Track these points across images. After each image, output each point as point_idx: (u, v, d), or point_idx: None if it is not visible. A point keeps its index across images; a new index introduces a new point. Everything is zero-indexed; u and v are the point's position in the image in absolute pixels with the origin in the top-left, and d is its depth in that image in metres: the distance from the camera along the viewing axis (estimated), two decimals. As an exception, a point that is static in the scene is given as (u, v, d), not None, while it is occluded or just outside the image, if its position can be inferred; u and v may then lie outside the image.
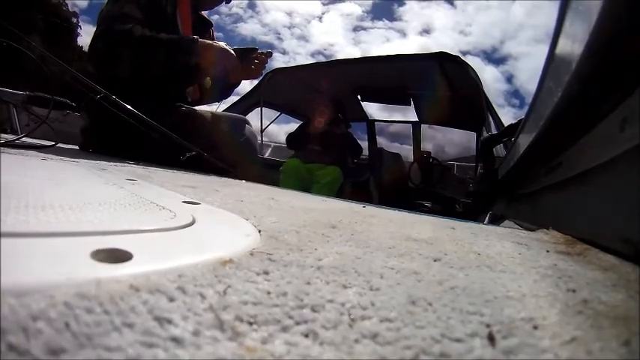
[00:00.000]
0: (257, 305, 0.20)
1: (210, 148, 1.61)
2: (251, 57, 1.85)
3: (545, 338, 0.20)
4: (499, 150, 2.16)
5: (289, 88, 4.06)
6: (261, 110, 4.47)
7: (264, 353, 0.16)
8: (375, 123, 4.69)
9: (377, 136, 4.71)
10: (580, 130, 0.65)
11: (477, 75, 3.05)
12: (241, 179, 1.36)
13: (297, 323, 0.19)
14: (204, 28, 1.99)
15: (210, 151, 1.57)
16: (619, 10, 0.44)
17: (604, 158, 0.53)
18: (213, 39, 2.02)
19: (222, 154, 1.66)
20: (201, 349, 0.16)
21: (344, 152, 3.78)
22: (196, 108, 1.87)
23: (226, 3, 2.08)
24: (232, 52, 1.72)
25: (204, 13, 2.05)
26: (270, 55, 1.91)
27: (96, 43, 1.59)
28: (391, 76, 3.63)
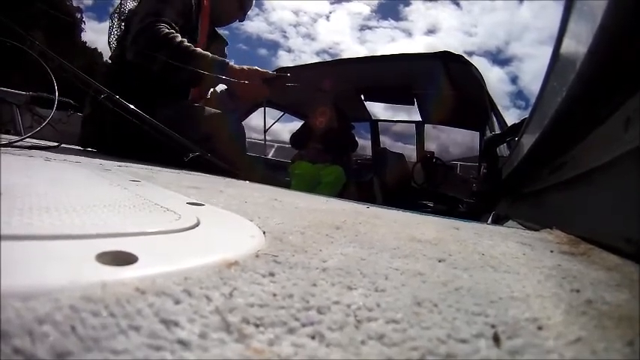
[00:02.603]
0: (263, 307, 0.20)
1: (204, 139, 1.64)
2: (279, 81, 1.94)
3: (550, 338, 0.20)
4: (502, 150, 2.16)
5: (292, 88, 4.04)
6: (264, 110, 4.47)
7: (271, 355, 0.16)
8: (379, 123, 4.67)
9: (380, 136, 4.70)
10: (584, 130, 0.65)
11: (481, 74, 3.04)
12: (241, 176, 1.37)
13: (304, 325, 0.19)
14: (218, 43, 2.08)
15: (204, 143, 1.62)
16: (623, 10, 0.44)
17: (607, 158, 0.53)
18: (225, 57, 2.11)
19: (214, 144, 1.71)
20: (208, 351, 0.16)
21: (345, 149, 3.79)
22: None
23: (240, 21, 2.18)
24: (259, 75, 1.80)
25: (220, 31, 2.14)
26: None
27: (140, 35, 1.66)
28: (394, 76, 3.61)
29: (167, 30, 1.63)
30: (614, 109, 0.53)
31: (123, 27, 1.86)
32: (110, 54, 1.95)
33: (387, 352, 0.18)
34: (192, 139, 1.54)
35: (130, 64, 1.71)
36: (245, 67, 1.78)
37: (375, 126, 4.66)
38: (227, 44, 2.16)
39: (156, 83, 1.71)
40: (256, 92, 1.85)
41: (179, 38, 1.64)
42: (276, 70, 3.86)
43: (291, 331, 0.18)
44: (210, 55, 1.71)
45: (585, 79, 0.57)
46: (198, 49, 1.68)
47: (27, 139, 1.27)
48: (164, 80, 1.71)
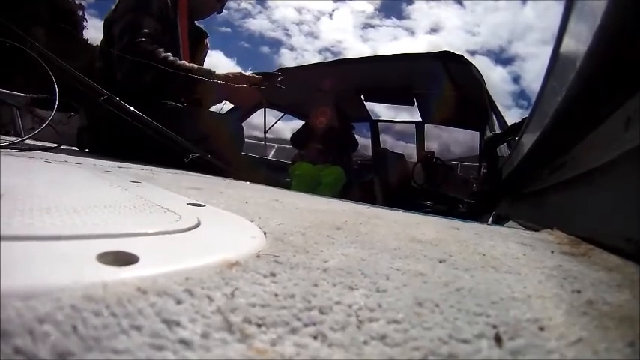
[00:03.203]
0: (265, 307, 0.20)
1: (202, 140, 1.65)
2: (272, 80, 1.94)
3: (552, 339, 0.20)
4: (503, 150, 2.16)
5: (293, 88, 4.03)
6: (265, 110, 4.47)
7: (274, 355, 0.16)
8: (379, 123, 4.67)
9: (382, 135, 4.69)
10: (584, 130, 0.65)
11: (481, 74, 3.04)
12: (241, 177, 1.37)
13: (306, 325, 0.19)
14: (199, 37, 2.11)
15: (201, 143, 1.62)
16: (623, 10, 0.44)
17: (607, 158, 0.53)
18: (208, 48, 2.19)
19: (211, 145, 1.72)
20: (211, 351, 0.16)
21: (346, 149, 3.79)
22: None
23: (218, 13, 2.21)
24: (245, 79, 1.81)
25: (200, 24, 2.17)
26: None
27: (123, 58, 1.67)
28: (395, 76, 3.61)
29: (149, 48, 1.65)
30: (614, 109, 0.53)
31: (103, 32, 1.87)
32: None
33: (389, 352, 0.17)
34: (189, 139, 1.54)
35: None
36: (230, 73, 1.79)
37: (375, 126, 4.65)
38: (207, 36, 2.18)
39: (148, 89, 1.72)
40: (249, 97, 1.86)
41: (162, 54, 1.65)
42: (276, 71, 3.85)
43: (294, 331, 0.18)
44: (196, 66, 1.73)
45: (585, 79, 0.57)
46: (183, 63, 1.70)
47: (27, 141, 1.27)
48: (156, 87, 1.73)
